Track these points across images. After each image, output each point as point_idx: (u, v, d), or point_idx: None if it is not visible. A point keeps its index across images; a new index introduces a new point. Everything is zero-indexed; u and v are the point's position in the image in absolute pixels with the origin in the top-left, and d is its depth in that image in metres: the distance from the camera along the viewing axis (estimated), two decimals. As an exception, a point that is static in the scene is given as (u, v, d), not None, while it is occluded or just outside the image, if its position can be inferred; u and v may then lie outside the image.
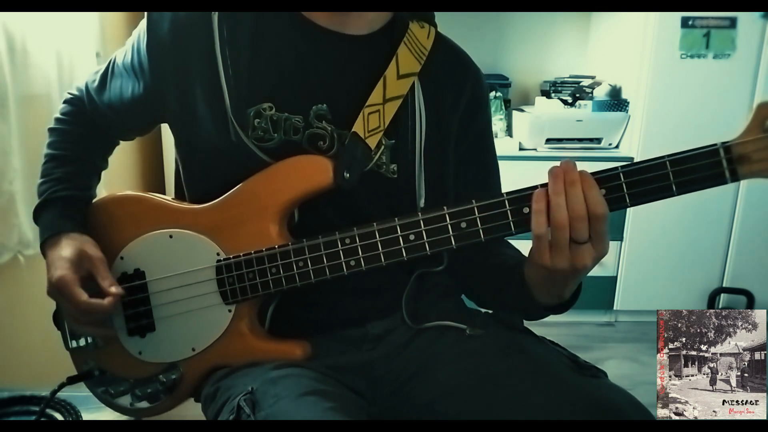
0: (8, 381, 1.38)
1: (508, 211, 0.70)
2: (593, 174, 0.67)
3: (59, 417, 1.16)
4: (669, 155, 0.65)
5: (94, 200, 0.92)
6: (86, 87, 0.94)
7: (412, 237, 0.73)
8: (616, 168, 0.67)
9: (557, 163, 0.67)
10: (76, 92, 0.96)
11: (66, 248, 0.82)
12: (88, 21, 1.75)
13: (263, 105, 0.79)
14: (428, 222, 0.72)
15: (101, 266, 0.82)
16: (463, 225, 0.71)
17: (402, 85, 0.82)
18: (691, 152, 0.65)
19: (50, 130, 0.95)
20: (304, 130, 0.80)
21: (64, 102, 0.97)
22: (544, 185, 0.68)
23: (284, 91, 0.80)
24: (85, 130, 0.94)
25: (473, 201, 0.71)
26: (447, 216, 0.72)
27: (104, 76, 0.91)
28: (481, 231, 0.71)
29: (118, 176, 1.10)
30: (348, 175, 0.78)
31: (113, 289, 0.81)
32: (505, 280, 0.80)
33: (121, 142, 1.02)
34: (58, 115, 0.96)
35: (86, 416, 1.15)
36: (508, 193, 0.70)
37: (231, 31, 0.79)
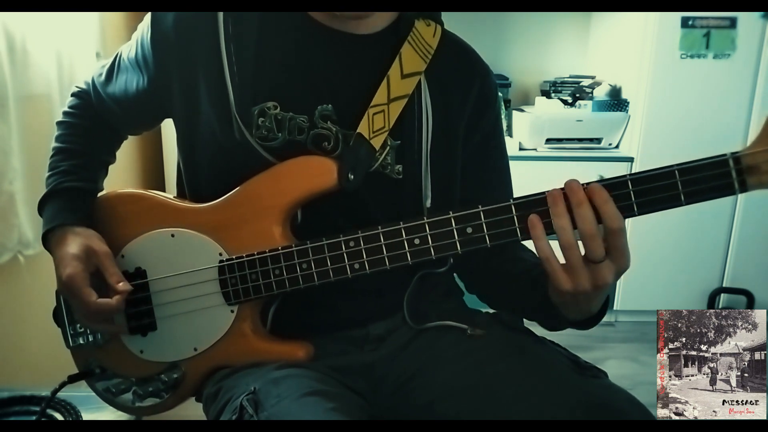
0: (8, 381, 1.38)
1: (515, 217, 0.68)
2: (600, 182, 0.66)
3: (59, 417, 1.16)
4: (678, 164, 0.64)
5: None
6: (93, 81, 0.94)
7: (417, 241, 0.72)
8: (624, 176, 0.66)
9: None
10: (83, 86, 0.96)
11: (72, 244, 0.82)
12: (88, 21, 1.75)
13: (268, 104, 0.79)
14: (433, 226, 0.72)
15: (108, 261, 0.81)
16: (469, 230, 0.70)
17: (406, 84, 0.81)
18: (700, 162, 0.63)
19: (58, 123, 0.95)
20: (308, 131, 0.80)
21: (72, 95, 0.97)
22: (537, 199, 0.67)
23: (289, 91, 0.80)
24: (92, 123, 0.94)
25: (479, 206, 0.70)
26: (453, 220, 0.71)
27: (110, 71, 0.91)
28: (487, 237, 0.70)
29: (117, 173, 1.09)
30: (352, 176, 0.77)
31: (120, 286, 0.80)
32: (526, 292, 0.78)
33: (128, 136, 1.02)
34: (65, 108, 0.97)
35: (86, 416, 1.15)
36: (515, 199, 0.69)
37: (236, 28, 0.79)
